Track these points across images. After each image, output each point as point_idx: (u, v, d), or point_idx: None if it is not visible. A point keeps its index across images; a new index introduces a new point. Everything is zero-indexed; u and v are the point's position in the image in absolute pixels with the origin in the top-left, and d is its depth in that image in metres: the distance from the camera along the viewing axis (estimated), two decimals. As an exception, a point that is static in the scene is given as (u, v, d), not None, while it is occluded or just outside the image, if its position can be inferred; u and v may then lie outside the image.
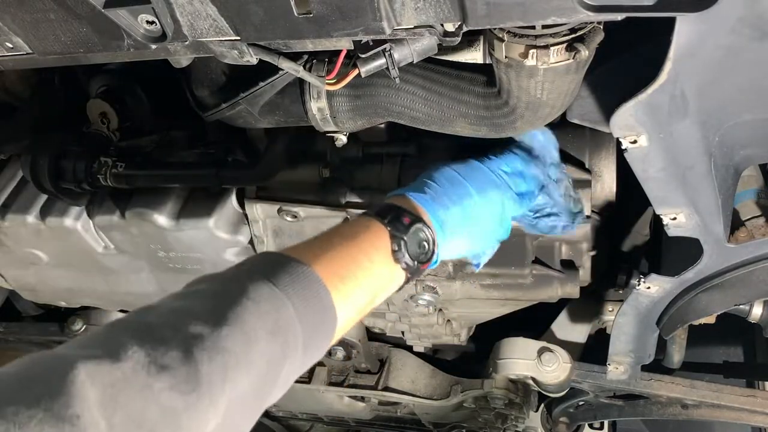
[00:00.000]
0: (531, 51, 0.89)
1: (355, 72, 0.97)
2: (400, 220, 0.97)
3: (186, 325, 0.70)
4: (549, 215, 1.19)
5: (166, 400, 0.63)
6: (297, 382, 1.69)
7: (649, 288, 1.30)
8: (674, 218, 1.07)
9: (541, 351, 1.62)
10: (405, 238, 0.96)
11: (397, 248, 0.95)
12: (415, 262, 0.97)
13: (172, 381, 0.64)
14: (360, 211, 1.44)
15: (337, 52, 1.02)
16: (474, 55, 1.06)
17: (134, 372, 0.63)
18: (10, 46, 0.93)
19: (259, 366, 0.74)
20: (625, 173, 1.35)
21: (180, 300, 0.77)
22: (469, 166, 1.12)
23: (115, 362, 0.63)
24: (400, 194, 1.05)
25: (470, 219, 1.07)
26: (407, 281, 1.00)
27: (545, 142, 1.22)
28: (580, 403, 1.94)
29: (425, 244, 0.99)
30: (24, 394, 0.57)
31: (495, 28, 0.90)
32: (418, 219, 0.99)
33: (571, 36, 0.87)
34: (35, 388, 0.58)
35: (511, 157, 1.16)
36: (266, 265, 0.83)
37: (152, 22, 0.82)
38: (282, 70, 1.03)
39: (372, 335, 1.92)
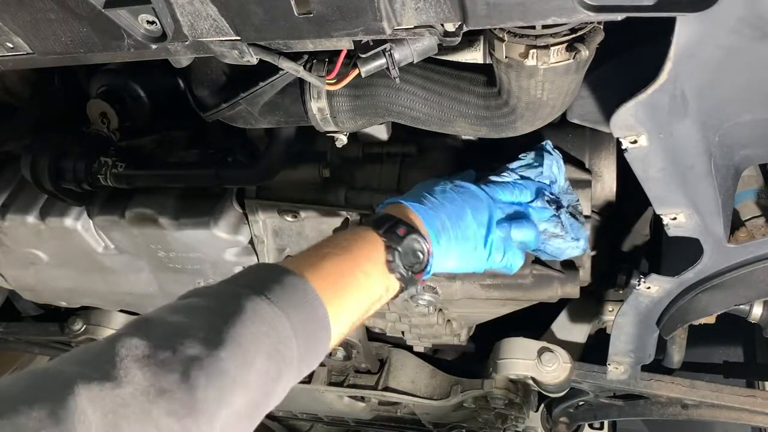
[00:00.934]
0: (531, 51, 0.89)
1: (355, 72, 0.97)
2: (395, 231, 0.97)
3: (184, 345, 0.70)
4: (556, 237, 1.19)
5: (164, 426, 0.65)
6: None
7: (649, 288, 1.30)
8: (674, 218, 1.07)
9: (541, 351, 1.62)
10: (399, 248, 0.96)
11: (391, 259, 0.96)
12: (409, 272, 0.98)
13: (169, 406, 0.65)
14: (357, 214, 1.44)
15: (337, 52, 1.02)
16: (474, 55, 1.06)
17: (134, 397, 0.64)
18: (10, 46, 0.93)
19: (256, 386, 0.75)
20: (625, 173, 1.35)
21: (177, 314, 0.77)
22: (468, 189, 1.12)
23: (115, 386, 0.64)
24: (396, 202, 1.06)
25: (464, 239, 1.07)
26: (401, 290, 1.00)
27: (550, 171, 1.22)
28: (580, 403, 1.94)
29: (419, 254, 0.99)
30: (24, 417, 0.57)
31: (495, 28, 0.90)
32: (413, 230, 0.99)
33: (571, 36, 0.88)
34: (36, 409, 0.58)
35: (509, 188, 1.16)
36: (262, 278, 0.84)
37: (152, 22, 0.82)
38: (282, 70, 1.03)
39: (372, 335, 1.92)
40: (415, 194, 1.09)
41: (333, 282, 0.88)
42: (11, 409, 0.58)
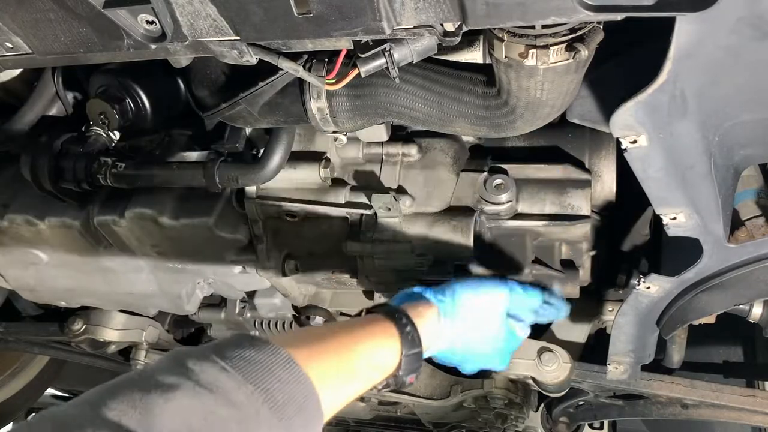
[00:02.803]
0: (531, 51, 0.89)
1: (355, 72, 0.97)
2: (418, 356, 1.05)
3: None
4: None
5: None
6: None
7: (649, 288, 1.30)
8: (674, 218, 1.07)
9: (541, 351, 1.61)
10: (411, 369, 1.05)
11: (401, 374, 1.04)
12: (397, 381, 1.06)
13: None
14: (357, 214, 1.43)
15: (337, 52, 1.02)
16: (474, 55, 1.06)
17: None
18: (10, 46, 0.93)
19: None
20: (625, 173, 1.35)
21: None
22: (500, 308, 1.20)
23: None
24: (432, 304, 1.14)
25: (479, 354, 1.21)
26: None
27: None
28: (580, 403, 1.94)
29: (418, 372, 1.07)
30: None
31: (495, 28, 0.90)
32: (428, 360, 1.10)
33: (570, 36, 0.87)
34: None
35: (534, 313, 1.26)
36: (265, 371, 0.79)
37: (152, 22, 0.82)
38: (282, 70, 1.03)
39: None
40: (450, 299, 1.15)
41: (338, 384, 0.91)
42: None
